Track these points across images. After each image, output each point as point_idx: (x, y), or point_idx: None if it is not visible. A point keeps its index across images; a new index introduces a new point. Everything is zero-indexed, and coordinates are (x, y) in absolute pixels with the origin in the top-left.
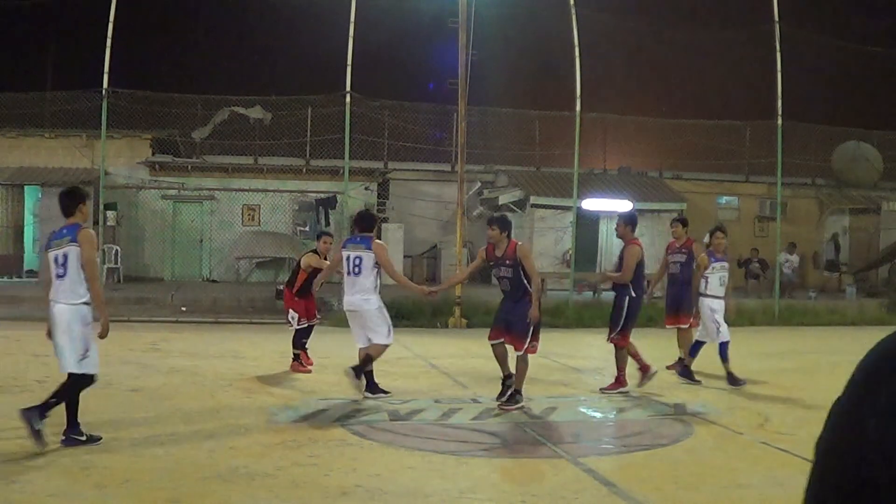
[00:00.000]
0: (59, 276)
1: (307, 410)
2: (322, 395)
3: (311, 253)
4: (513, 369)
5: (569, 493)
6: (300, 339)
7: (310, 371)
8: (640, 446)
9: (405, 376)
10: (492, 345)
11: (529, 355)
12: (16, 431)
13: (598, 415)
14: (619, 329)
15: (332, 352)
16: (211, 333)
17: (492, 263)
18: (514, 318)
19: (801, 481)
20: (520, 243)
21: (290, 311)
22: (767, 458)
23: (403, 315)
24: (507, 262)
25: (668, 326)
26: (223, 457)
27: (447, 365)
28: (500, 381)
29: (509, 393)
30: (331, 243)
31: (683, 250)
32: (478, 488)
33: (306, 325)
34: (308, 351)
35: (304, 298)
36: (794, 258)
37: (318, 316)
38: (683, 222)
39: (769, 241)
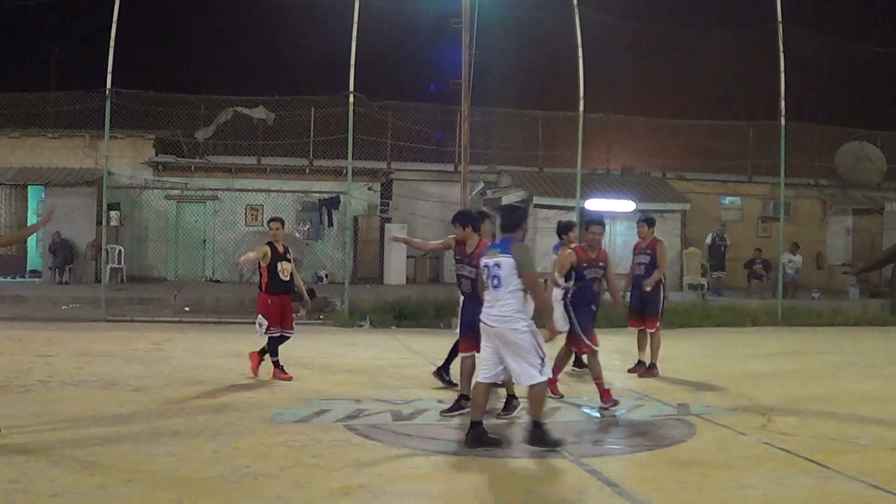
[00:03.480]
0: (495, 287)
1: (310, 410)
2: (325, 396)
3: (265, 245)
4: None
5: (572, 494)
6: (274, 346)
7: (291, 378)
8: (643, 447)
9: (408, 376)
10: (462, 357)
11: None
12: (18, 430)
13: (600, 415)
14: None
15: (334, 351)
16: (214, 333)
17: (457, 258)
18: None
19: (804, 482)
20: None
21: (260, 316)
22: (770, 458)
23: (406, 316)
24: (474, 262)
25: (630, 326)
26: (226, 457)
27: (450, 365)
28: (457, 399)
29: (505, 401)
30: (278, 228)
31: (648, 251)
32: (481, 489)
33: (279, 335)
34: (262, 361)
35: (282, 302)
36: (798, 258)
37: (293, 330)
38: (649, 222)
39: (772, 241)
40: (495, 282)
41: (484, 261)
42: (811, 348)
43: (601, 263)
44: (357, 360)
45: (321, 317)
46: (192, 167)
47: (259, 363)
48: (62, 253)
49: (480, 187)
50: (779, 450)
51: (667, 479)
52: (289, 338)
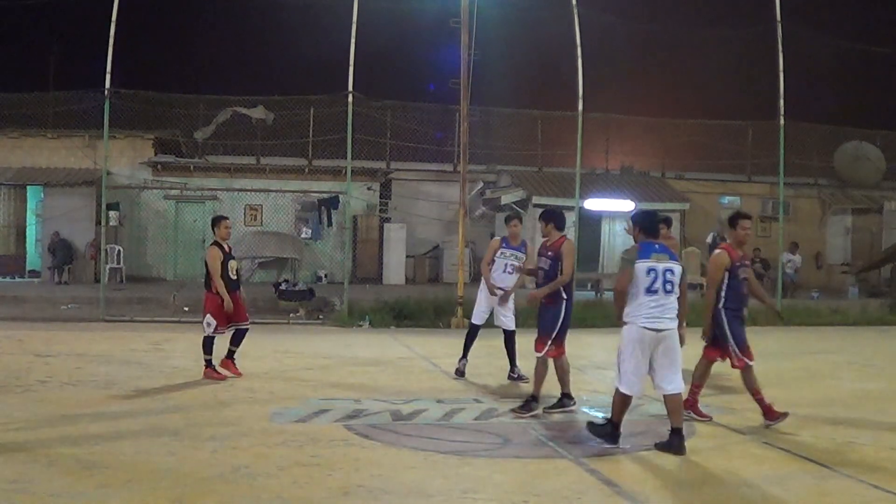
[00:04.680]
0: (668, 292)
1: (309, 410)
2: (324, 396)
3: (212, 246)
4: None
5: (571, 494)
6: (210, 345)
7: (225, 378)
8: (643, 447)
9: (407, 376)
10: (557, 360)
11: (550, 359)
12: (18, 430)
13: (600, 415)
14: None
15: (333, 352)
16: None
17: (539, 253)
18: (540, 318)
19: (802, 481)
20: (568, 239)
21: (209, 315)
22: (769, 458)
23: (406, 315)
24: (550, 254)
25: None
26: (225, 456)
27: (449, 365)
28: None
29: (525, 400)
30: (229, 227)
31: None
32: (480, 488)
33: (224, 332)
34: (236, 359)
35: (232, 300)
36: (797, 258)
37: (247, 321)
38: (667, 222)
39: (771, 241)
40: (669, 287)
41: (651, 264)
42: (811, 348)
43: (747, 262)
44: (356, 360)
45: (321, 317)
46: (192, 167)
47: (232, 366)
48: (61, 253)
49: (480, 187)
50: (779, 450)
51: (666, 479)
52: (247, 330)
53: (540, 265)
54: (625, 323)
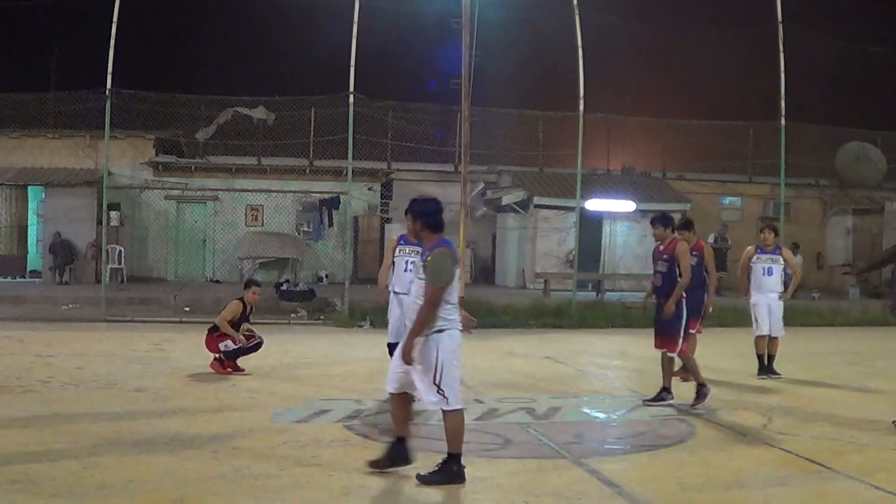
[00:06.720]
0: None
1: (310, 411)
2: (325, 396)
3: (236, 301)
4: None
5: (572, 494)
6: (236, 353)
7: (229, 373)
8: (644, 447)
9: None
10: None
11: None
12: (19, 430)
13: (601, 415)
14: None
15: (334, 352)
16: None
17: (654, 256)
18: (661, 319)
19: (803, 481)
20: (681, 241)
21: (224, 343)
22: (770, 458)
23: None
24: (665, 257)
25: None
26: (226, 457)
27: None
28: (662, 390)
29: (658, 391)
30: (256, 294)
31: (694, 253)
32: (480, 489)
33: (249, 346)
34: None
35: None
36: (798, 259)
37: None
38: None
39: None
40: None
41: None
42: (811, 348)
43: None
44: (357, 361)
45: (321, 317)
46: (193, 167)
47: (228, 364)
48: (62, 253)
49: (481, 187)
50: (779, 450)
51: (667, 479)
52: (260, 345)
53: (657, 268)
54: (439, 331)
